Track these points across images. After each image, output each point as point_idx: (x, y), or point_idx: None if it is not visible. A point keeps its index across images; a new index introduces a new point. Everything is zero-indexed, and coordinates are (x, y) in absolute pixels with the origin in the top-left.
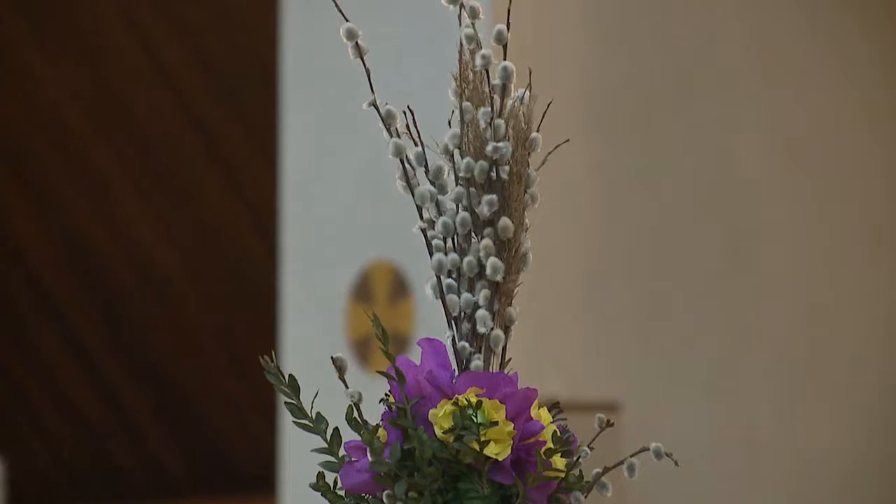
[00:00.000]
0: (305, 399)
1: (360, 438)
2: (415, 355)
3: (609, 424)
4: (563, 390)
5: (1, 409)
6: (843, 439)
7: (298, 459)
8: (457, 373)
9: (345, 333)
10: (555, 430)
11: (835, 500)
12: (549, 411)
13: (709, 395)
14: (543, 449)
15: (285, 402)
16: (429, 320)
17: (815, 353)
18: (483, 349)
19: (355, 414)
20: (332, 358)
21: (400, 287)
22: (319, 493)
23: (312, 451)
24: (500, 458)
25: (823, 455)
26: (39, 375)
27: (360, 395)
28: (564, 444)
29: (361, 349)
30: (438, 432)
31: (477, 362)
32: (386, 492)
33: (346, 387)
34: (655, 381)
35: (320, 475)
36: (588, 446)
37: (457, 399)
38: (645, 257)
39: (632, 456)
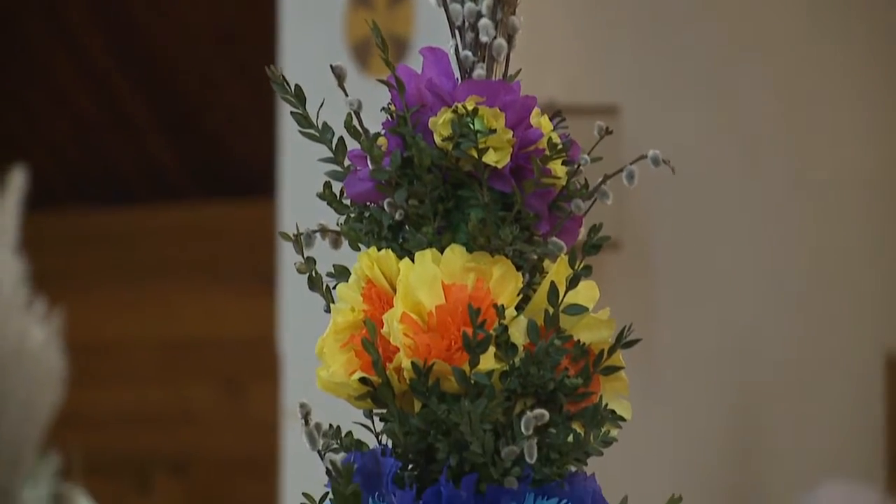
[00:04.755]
0: (310, 109)
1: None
2: (416, 61)
3: (608, 132)
4: (561, 94)
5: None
6: (840, 157)
7: (299, 163)
8: (459, 82)
9: (344, 38)
10: (551, 137)
11: (833, 208)
12: (551, 119)
13: (709, 101)
14: (540, 156)
15: (291, 113)
16: (429, 24)
17: (816, 65)
18: (486, 58)
19: (354, 122)
20: (331, 66)
21: None
22: (325, 202)
23: (319, 160)
24: (500, 166)
25: (822, 164)
26: (37, 78)
27: (359, 102)
28: (559, 151)
29: (361, 54)
30: (438, 140)
31: (479, 72)
32: (387, 200)
33: (346, 94)
34: (656, 86)
35: (327, 184)
36: (588, 154)
37: (456, 107)
38: None
39: (631, 164)
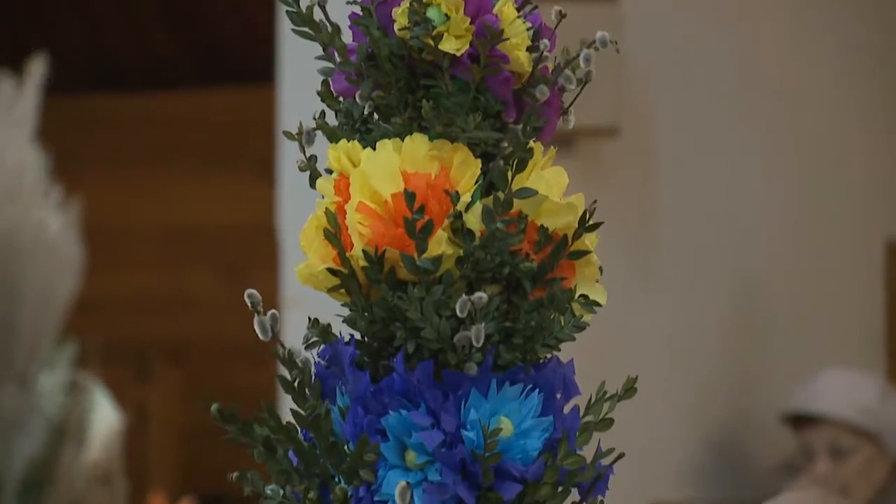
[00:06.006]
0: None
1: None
2: None
3: (563, 16)
4: None
5: None
6: (841, 48)
7: (298, 50)
8: None
9: None
10: (488, 23)
11: (833, 96)
12: (520, 8)
13: None
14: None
15: (286, 11)
16: None
17: None
18: None
19: (320, 15)
20: None
21: None
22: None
23: (316, 58)
24: (458, 54)
25: (823, 53)
26: None
27: None
28: (497, 35)
29: None
30: (396, 29)
31: None
32: (357, 92)
33: None
34: None
35: (324, 82)
36: (548, 39)
37: None
38: None
39: (587, 47)
